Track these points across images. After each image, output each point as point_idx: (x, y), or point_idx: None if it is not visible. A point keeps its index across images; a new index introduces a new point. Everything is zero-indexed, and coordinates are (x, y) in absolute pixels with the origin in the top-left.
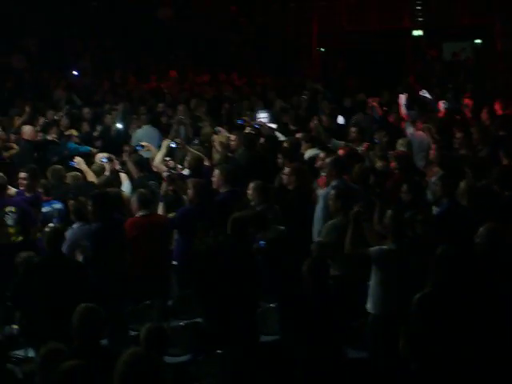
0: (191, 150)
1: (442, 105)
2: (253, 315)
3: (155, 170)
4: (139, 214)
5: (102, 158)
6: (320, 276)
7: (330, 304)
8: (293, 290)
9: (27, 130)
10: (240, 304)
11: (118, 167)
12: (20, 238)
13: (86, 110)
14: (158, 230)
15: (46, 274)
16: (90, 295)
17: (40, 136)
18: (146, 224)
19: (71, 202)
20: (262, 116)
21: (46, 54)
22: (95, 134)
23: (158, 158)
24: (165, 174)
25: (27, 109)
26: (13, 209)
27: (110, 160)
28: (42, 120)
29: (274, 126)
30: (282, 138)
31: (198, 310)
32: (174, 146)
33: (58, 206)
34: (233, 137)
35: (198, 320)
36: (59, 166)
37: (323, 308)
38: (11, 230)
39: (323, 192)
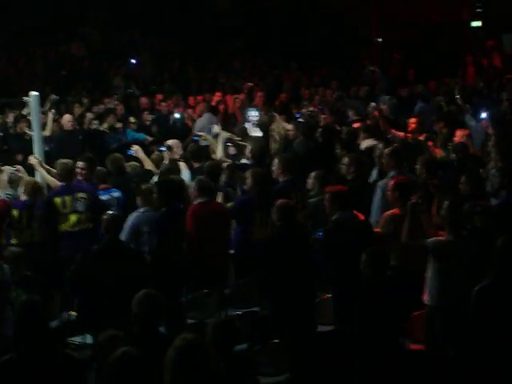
0: (253, 138)
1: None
2: (310, 305)
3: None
4: (198, 201)
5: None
6: (379, 267)
7: (388, 295)
8: (350, 280)
9: (65, 120)
10: (298, 293)
11: (177, 156)
12: (89, 225)
13: (143, 100)
14: (217, 218)
15: (103, 261)
16: (149, 282)
17: (95, 124)
18: (206, 212)
19: (136, 188)
20: (253, 115)
21: (105, 43)
22: (148, 122)
23: (219, 151)
24: (225, 164)
25: (84, 100)
26: (84, 195)
27: (169, 149)
28: (97, 108)
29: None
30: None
31: (255, 299)
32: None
33: (116, 194)
34: (290, 126)
35: (255, 309)
36: (118, 155)
37: (381, 299)
38: (81, 217)
39: (381, 182)
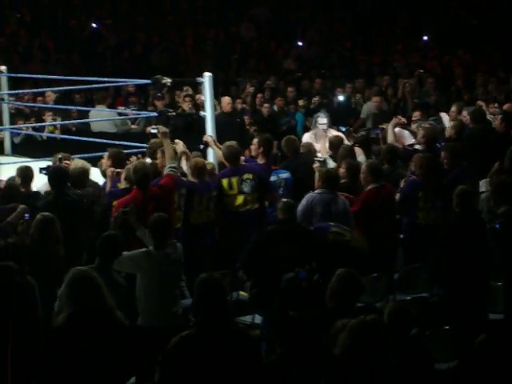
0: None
1: None
2: (482, 292)
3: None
4: (371, 186)
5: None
6: None
7: None
8: None
9: (224, 102)
10: (471, 280)
11: (350, 142)
12: (256, 206)
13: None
14: (389, 203)
15: (277, 242)
16: (324, 262)
17: (267, 107)
18: (379, 197)
19: (320, 169)
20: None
21: (274, 24)
22: (312, 106)
23: (390, 138)
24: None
25: (248, 87)
26: (250, 176)
27: (347, 130)
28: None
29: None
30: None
31: (423, 284)
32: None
33: (284, 175)
34: (464, 112)
35: (424, 294)
36: (293, 137)
37: None
38: (248, 197)
39: None
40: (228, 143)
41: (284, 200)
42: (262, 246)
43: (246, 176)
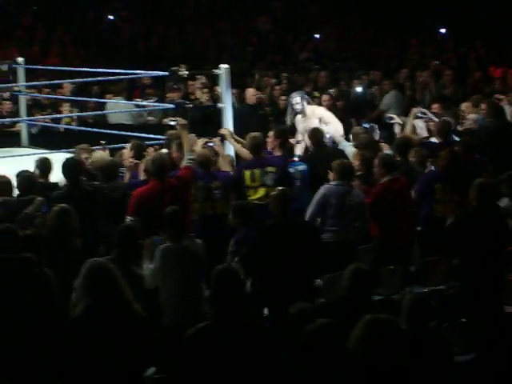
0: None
1: None
2: (499, 285)
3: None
4: (385, 178)
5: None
6: None
7: None
8: None
9: (249, 93)
10: (487, 273)
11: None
12: None
13: (322, 74)
14: (405, 195)
15: (276, 237)
16: (322, 256)
17: (284, 99)
18: (394, 189)
19: (336, 162)
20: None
21: (290, 17)
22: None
23: (408, 129)
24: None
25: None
26: (273, 169)
27: (372, 128)
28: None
29: None
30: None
31: (440, 276)
32: (419, 115)
33: (301, 167)
34: (483, 106)
35: (441, 287)
36: (320, 128)
37: None
38: (270, 190)
39: None
40: (252, 134)
41: (279, 189)
42: (261, 242)
43: (269, 169)
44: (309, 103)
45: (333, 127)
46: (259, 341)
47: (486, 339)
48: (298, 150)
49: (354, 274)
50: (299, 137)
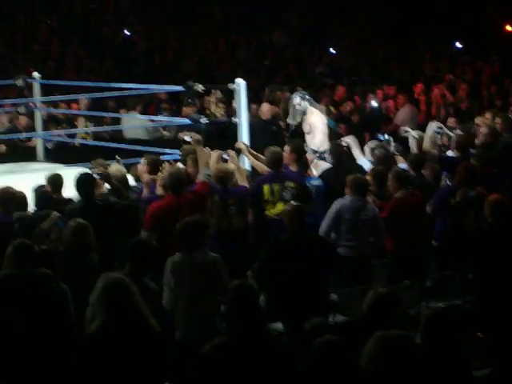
0: (448, 132)
1: None
2: None
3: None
4: (399, 193)
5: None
6: None
7: None
8: None
9: (264, 108)
10: (503, 288)
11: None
12: None
13: (340, 88)
14: (418, 209)
15: (290, 252)
16: (337, 272)
17: None
18: (408, 203)
19: (350, 178)
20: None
21: (306, 31)
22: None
23: (426, 142)
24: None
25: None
26: (292, 184)
27: (387, 141)
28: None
29: None
30: None
31: (456, 291)
32: (436, 129)
33: (316, 182)
34: (498, 120)
35: (458, 302)
36: (342, 143)
37: None
38: None
39: None
40: (272, 149)
41: (293, 204)
42: (273, 256)
43: (288, 184)
44: (310, 102)
45: (316, 139)
46: (279, 355)
47: (502, 354)
48: (309, 142)
49: (377, 299)
50: (307, 128)
